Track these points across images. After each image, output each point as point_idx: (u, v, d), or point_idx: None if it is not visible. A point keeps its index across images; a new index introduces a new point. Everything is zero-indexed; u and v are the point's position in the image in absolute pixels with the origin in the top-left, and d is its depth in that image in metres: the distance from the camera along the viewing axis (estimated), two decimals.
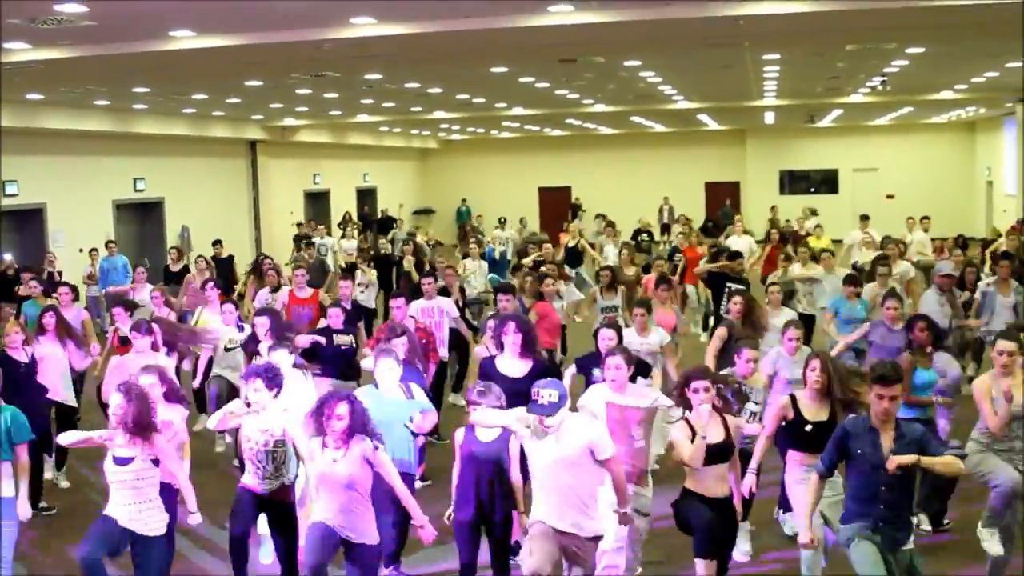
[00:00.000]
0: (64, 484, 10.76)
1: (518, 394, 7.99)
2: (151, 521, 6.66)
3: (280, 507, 7.23)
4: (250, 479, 7.18)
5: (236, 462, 10.70)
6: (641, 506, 7.31)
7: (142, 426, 6.57)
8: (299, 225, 26.49)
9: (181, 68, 15.23)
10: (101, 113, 21.89)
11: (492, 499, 6.93)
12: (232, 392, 10.62)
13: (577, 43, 14.17)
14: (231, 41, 12.46)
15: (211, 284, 12.39)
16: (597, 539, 6.48)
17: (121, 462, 6.58)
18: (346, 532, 6.54)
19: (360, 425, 6.51)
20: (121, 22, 11.33)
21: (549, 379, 6.54)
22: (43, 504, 9.92)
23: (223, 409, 7.43)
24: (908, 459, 5.73)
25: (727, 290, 13.00)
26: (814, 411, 7.18)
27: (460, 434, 7.12)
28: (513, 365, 8.39)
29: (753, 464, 7.31)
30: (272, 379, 7.09)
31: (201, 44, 12.54)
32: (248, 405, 7.12)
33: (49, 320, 10.38)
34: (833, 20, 12.43)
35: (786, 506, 8.12)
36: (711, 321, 14.94)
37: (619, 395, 7.23)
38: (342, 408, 6.43)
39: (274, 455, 7.10)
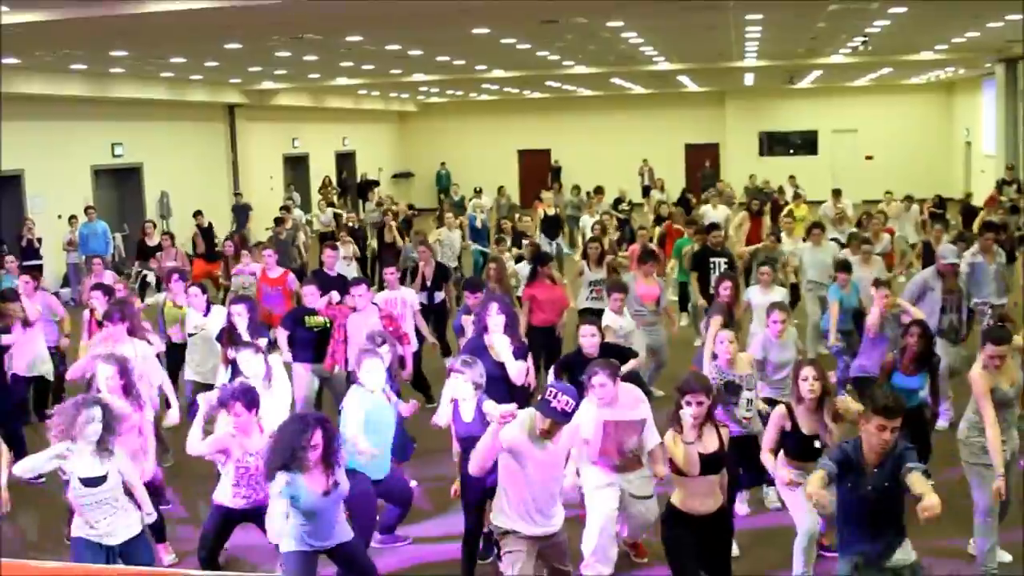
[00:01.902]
0: None
1: (503, 370, 8.31)
2: (130, 524, 6.44)
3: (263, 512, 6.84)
4: (230, 497, 6.90)
5: None
6: (636, 490, 7.32)
7: (109, 440, 6.32)
8: (237, 195, 26.09)
9: (160, 31, 15.03)
10: (78, 77, 21.66)
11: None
12: (204, 390, 10.33)
13: (560, 3, 14.07)
14: (211, 3, 12.30)
15: (176, 277, 12.10)
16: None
17: (93, 483, 6.23)
18: (326, 544, 6.33)
19: (335, 449, 6.19)
20: None
21: (569, 386, 6.23)
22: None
23: (212, 438, 6.93)
24: (933, 507, 5.43)
25: (712, 265, 12.94)
26: (811, 424, 7.03)
27: (449, 410, 7.24)
28: (498, 343, 8.49)
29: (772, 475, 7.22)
30: (251, 400, 6.77)
31: (181, 6, 12.37)
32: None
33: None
34: None
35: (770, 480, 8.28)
36: (692, 300, 14.48)
37: (611, 410, 7.02)
38: (316, 437, 6.04)
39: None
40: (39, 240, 19.18)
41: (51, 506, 9.36)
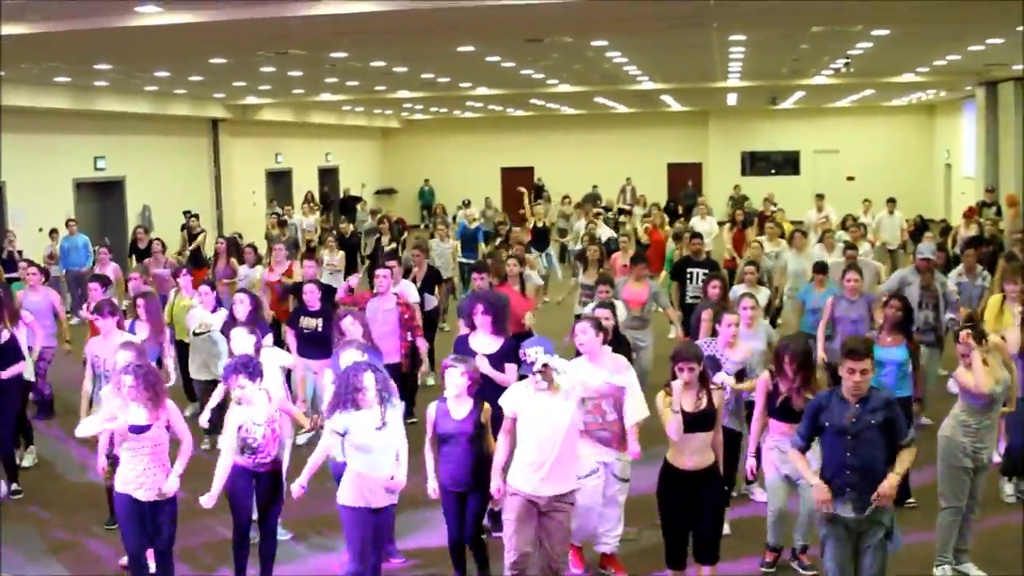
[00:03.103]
0: (27, 463, 10.68)
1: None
2: (162, 484, 6.90)
3: (270, 476, 7.37)
4: (245, 460, 7.24)
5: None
6: (619, 471, 7.61)
7: (156, 397, 6.86)
8: (187, 214, 25.61)
9: (146, 45, 15.05)
10: (62, 90, 21.61)
11: (468, 473, 7.13)
12: (212, 386, 10.46)
13: (546, 22, 14.12)
14: (198, 18, 12.33)
15: (184, 271, 12.24)
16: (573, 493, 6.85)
17: (138, 430, 6.84)
18: (382, 501, 6.76)
19: (388, 390, 6.70)
20: None
21: (529, 339, 6.91)
22: (15, 487, 9.85)
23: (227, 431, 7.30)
24: (890, 489, 6.00)
25: (690, 276, 12.92)
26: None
27: (432, 409, 7.30)
28: (484, 343, 8.52)
29: (751, 448, 7.62)
30: (253, 371, 7.13)
31: (167, 20, 12.39)
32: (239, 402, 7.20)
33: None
34: (802, 2, 12.54)
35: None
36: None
37: (591, 367, 7.33)
38: (368, 379, 6.60)
39: (271, 434, 7.23)
40: (19, 252, 19.07)
41: (44, 516, 9.33)
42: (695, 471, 6.78)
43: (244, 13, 12.20)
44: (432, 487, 7.24)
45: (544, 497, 6.64)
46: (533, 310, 11.70)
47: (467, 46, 17.45)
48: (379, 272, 11.02)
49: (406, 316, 10.59)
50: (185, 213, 23.68)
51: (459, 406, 7.15)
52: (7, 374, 9.47)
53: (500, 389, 7.75)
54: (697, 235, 14.32)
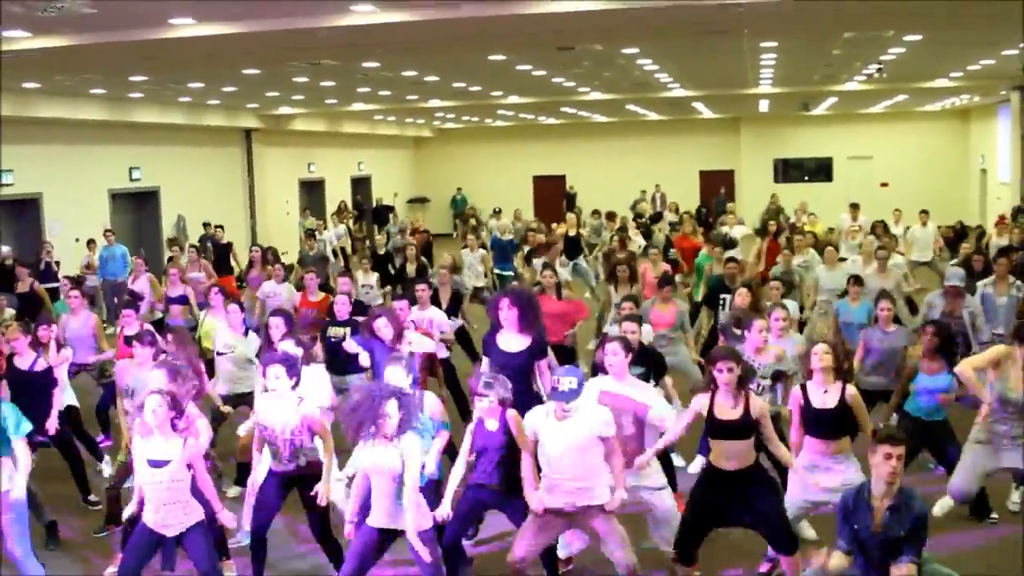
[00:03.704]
0: (108, 471, 10.68)
1: (515, 368, 7.98)
2: (185, 517, 6.71)
3: (308, 480, 7.19)
4: (273, 463, 7.19)
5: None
6: (652, 483, 7.42)
7: (180, 415, 6.71)
8: (207, 226, 25.48)
9: (180, 56, 15.19)
10: (97, 102, 21.82)
11: (499, 477, 7.08)
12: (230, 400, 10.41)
13: (577, 31, 14.15)
14: (232, 29, 12.42)
15: (215, 290, 12.13)
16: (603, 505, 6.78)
17: (156, 464, 6.63)
18: (385, 524, 6.56)
19: (410, 420, 6.46)
20: (122, 10, 11.29)
21: (568, 367, 6.88)
22: (92, 497, 9.91)
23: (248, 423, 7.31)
24: None
25: (722, 302, 12.47)
26: (822, 398, 7.27)
27: (471, 428, 7.27)
28: (511, 340, 8.29)
29: (794, 463, 7.36)
30: (291, 367, 7.04)
31: (201, 32, 12.50)
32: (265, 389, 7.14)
33: (44, 333, 10.42)
34: (834, 6, 12.47)
35: None
36: (697, 327, 13.72)
37: (615, 383, 7.35)
38: (392, 407, 6.38)
39: (292, 441, 7.15)
40: (57, 263, 19.27)
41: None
42: (737, 472, 6.82)
43: (277, 24, 12.29)
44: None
45: (565, 505, 6.67)
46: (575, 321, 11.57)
47: (498, 55, 17.51)
48: (396, 304, 10.68)
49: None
50: (205, 225, 23.86)
51: (492, 419, 7.11)
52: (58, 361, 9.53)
53: (531, 396, 7.75)
54: (732, 259, 13.86)
